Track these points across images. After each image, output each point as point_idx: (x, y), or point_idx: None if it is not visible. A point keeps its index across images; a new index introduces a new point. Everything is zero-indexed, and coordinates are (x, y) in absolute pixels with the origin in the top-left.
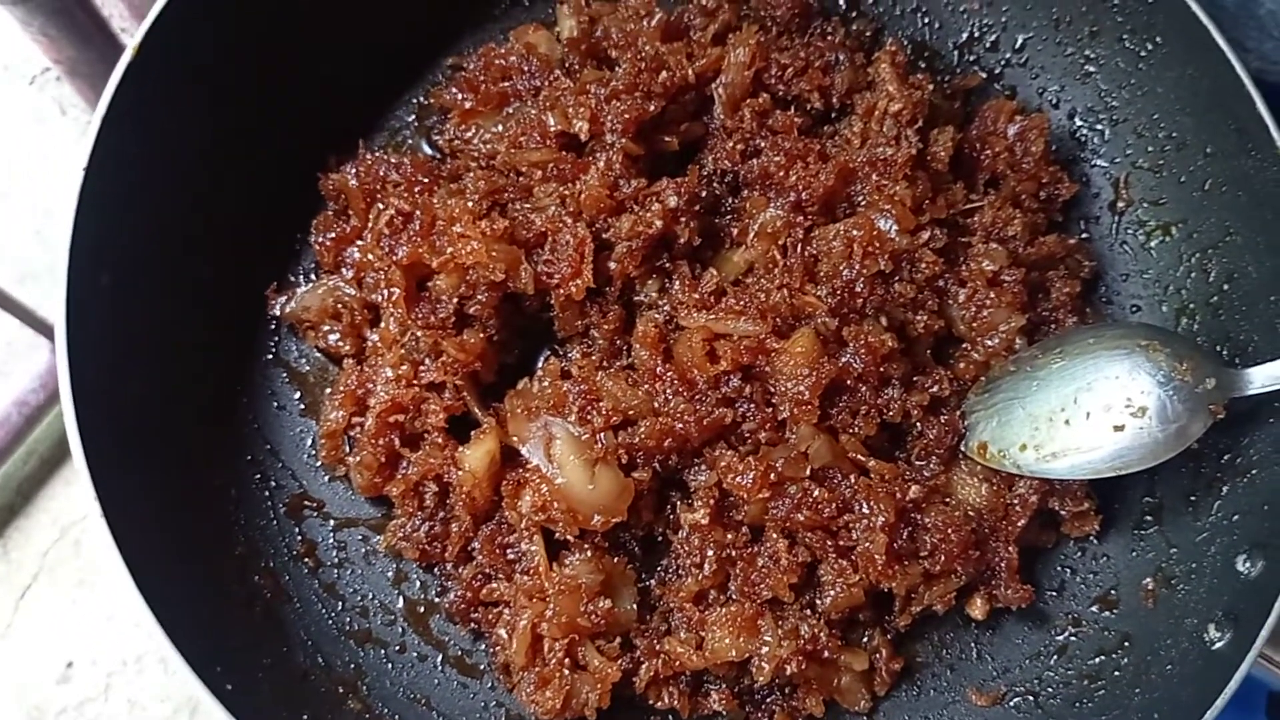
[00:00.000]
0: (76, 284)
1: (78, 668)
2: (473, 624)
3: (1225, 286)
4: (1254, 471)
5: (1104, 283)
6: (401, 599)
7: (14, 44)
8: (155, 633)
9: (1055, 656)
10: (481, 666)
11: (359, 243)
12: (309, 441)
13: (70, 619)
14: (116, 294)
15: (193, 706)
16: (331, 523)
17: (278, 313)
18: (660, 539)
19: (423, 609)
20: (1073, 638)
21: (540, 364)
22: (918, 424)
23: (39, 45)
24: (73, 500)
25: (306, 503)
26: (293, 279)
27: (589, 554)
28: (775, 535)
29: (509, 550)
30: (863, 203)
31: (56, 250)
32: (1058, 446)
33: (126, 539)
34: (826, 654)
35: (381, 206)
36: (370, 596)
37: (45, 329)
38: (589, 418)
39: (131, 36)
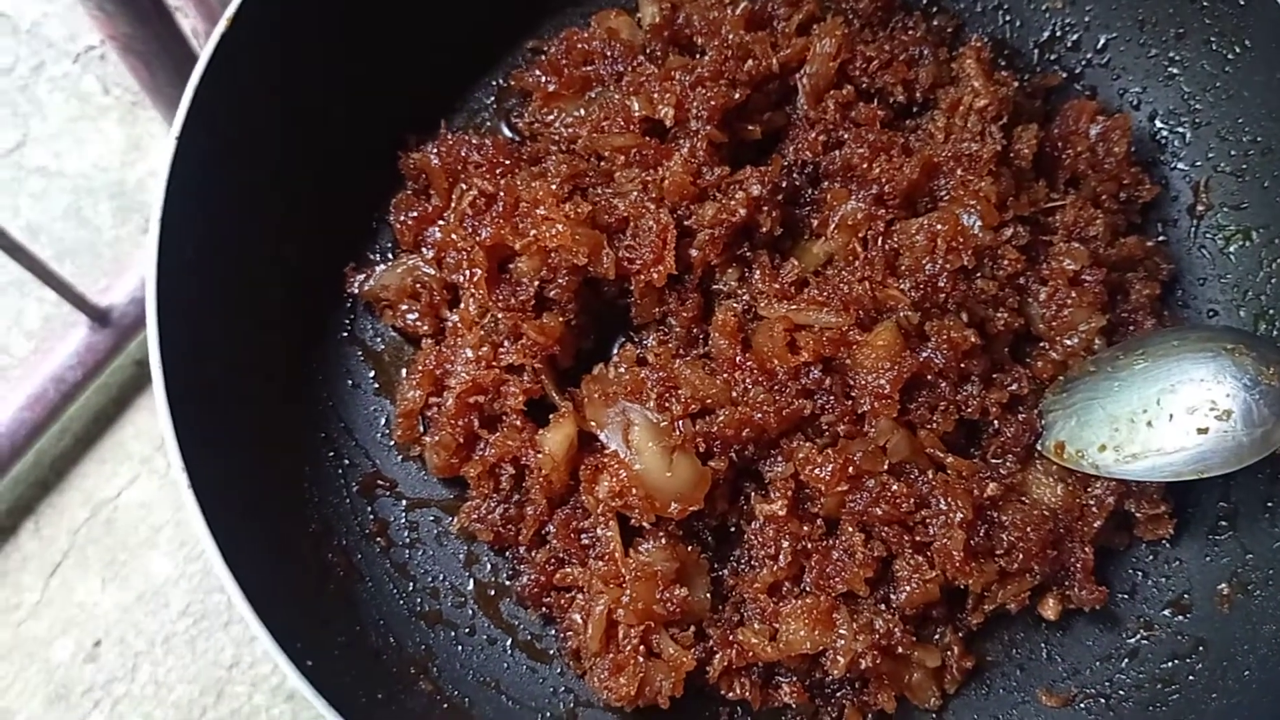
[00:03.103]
0: (165, 257)
1: (105, 647)
2: (544, 608)
3: None
4: None
5: (1181, 286)
6: (472, 581)
7: (59, 20)
8: (242, 608)
9: (1127, 659)
10: (551, 651)
11: (440, 222)
12: (382, 420)
13: (100, 598)
14: (199, 269)
15: (219, 689)
16: (404, 503)
17: (356, 290)
18: (734, 529)
19: (493, 592)
20: (1145, 641)
21: (616, 350)
22: (995, 421)
23: (94, 20)
24: (106, 479)
25: (379, 482)
26: (371, 257)
27: (664, 541)
28: (851, 529)
29: (584, 535)
30: (945, 197)
31: (95, 228)
32: (1138, 448)
33: (212, 515)
34: (900, 650)
35: (464, 187)
36: (441, 578)
37: (84, 305)
38: (668, 405)
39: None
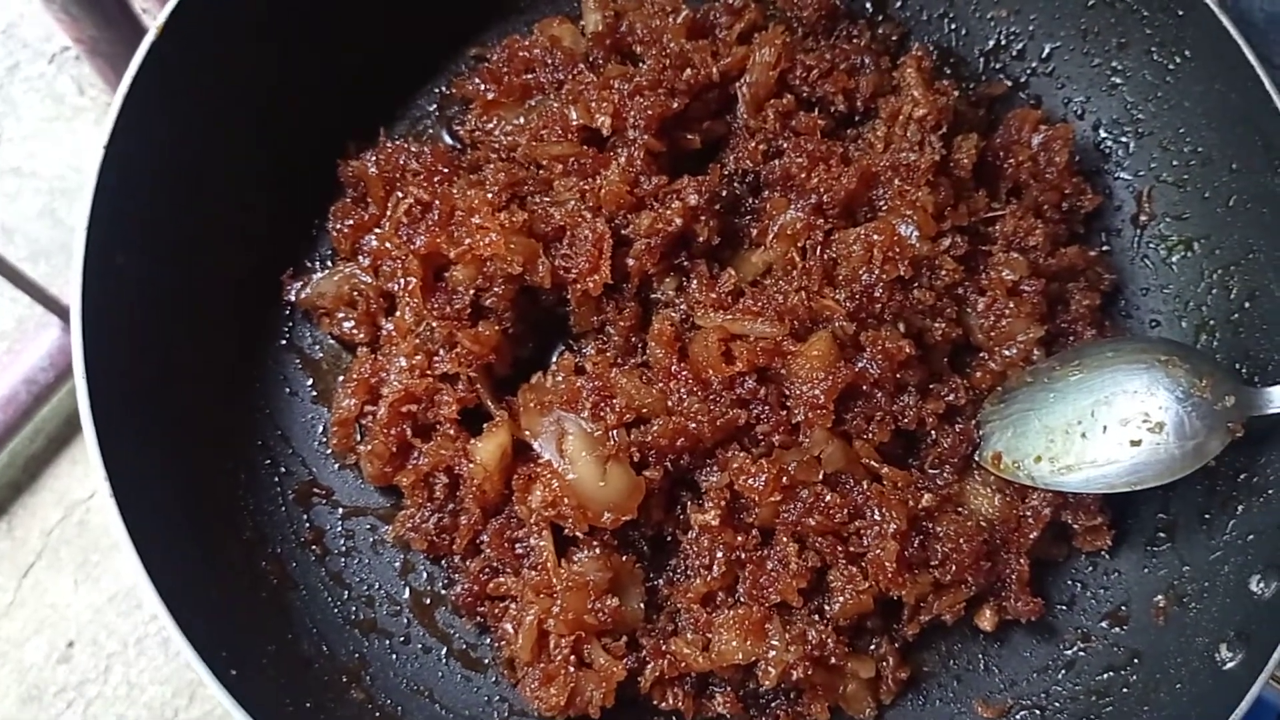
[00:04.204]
0: (92, 263)
1: (78, 648)
2: (479, 617)
3: (1246, 304)
4: (1270, 491)
5: (1123, 296)
6: (408, 590)
7: (34, 21)
8: (162, 616)
9: (1063, 671)
10: (486, 660)
11: (377, 230)
12: (320, 429)
13: (72, 599)
14: (131, 274)
15: (192, 690)
16: (340, 511)
17: (293, 298)
18: (669, 539)
19: (429, 601)
20: (1081, 653)
21: (554, 359)
22: (932, 432)
23: (60, 24)
24: (78, 480)
25: (315, 490)
26: (309, 265)
27: (598, 551)
28: (785, 539)
29: (517, 545)
30: (884, 207)
31: (69, 228)
32: (1073, 460)
33: (135, 521)
34: (833, 660)
35: (400, 195)
36: (376, 586)
37: (56, 307)
38: (602, 414)
39: (153, 18)
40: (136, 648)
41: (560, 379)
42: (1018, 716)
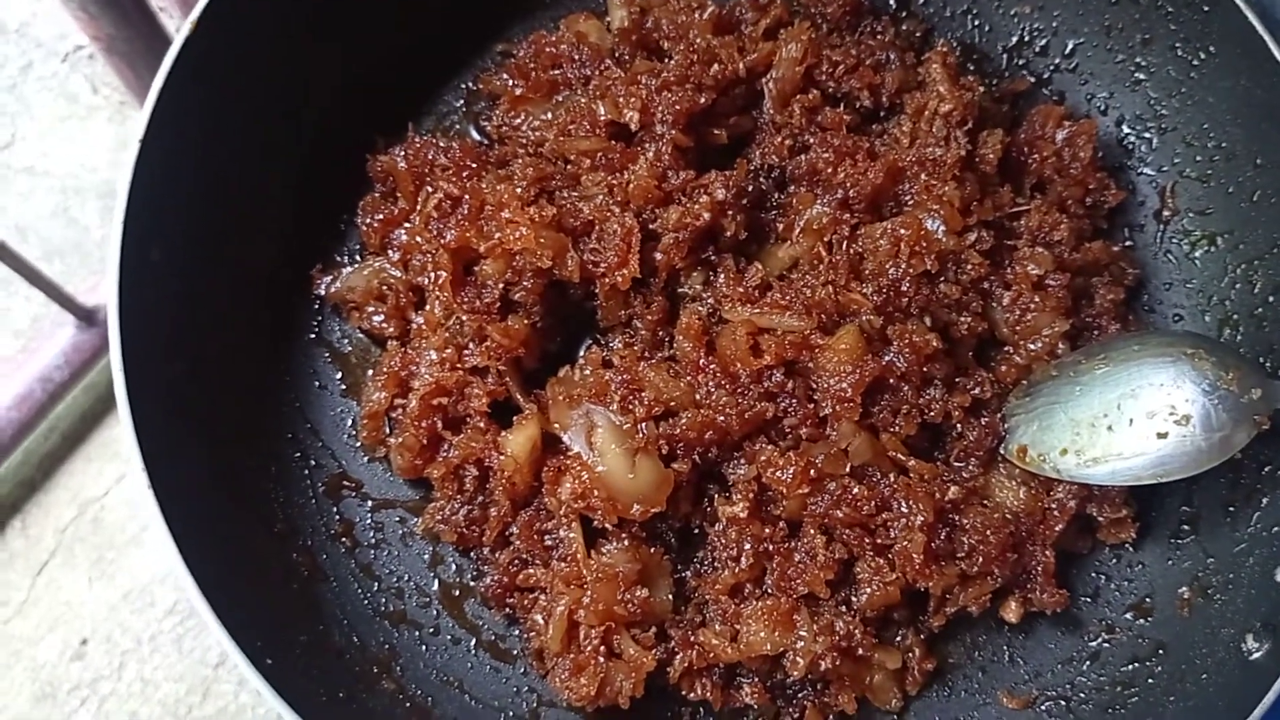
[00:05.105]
0: (128, 259)
1: (92, 645)
2: (508, 609)
3: (1270, 298)
4: None
5: (1147, 291)
6: (437, 581)
7: (48, 20)
8: (199, 607)
9: (1088, 662)
10: (515, 651)
11: (406, 225)
12: (349, 422)
13: (87, 596)
14: (164, 269)
15: (205, 687)
16: (369, 503)
17: (323, 292)
18: (697, 531)
19: (458, 592)
20: (1106, 644)
21: (582, 352)
22: (958, 425)
23: (78, 21)
24: (93, 478)
25: (345, 483)
26: (338, 259)
27: (626, 543)
28: (813, 531)
29: (547, 536)
30: (910, 202)
31: (83, 228)
32: (1099, 452)
33: (171, 513)
34: (860, 651)
35: (430, 189)
36: (406, 578)
37: (71, 305)
38: (631, 407)
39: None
40: (150, 645)
41: (589, 372)
42: (1043, 707)
